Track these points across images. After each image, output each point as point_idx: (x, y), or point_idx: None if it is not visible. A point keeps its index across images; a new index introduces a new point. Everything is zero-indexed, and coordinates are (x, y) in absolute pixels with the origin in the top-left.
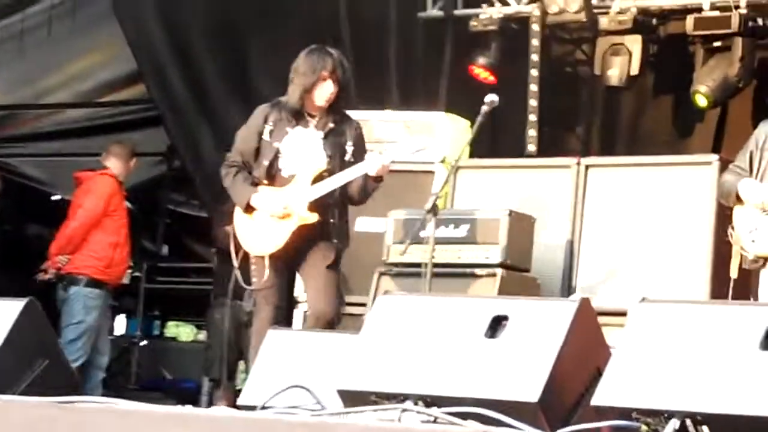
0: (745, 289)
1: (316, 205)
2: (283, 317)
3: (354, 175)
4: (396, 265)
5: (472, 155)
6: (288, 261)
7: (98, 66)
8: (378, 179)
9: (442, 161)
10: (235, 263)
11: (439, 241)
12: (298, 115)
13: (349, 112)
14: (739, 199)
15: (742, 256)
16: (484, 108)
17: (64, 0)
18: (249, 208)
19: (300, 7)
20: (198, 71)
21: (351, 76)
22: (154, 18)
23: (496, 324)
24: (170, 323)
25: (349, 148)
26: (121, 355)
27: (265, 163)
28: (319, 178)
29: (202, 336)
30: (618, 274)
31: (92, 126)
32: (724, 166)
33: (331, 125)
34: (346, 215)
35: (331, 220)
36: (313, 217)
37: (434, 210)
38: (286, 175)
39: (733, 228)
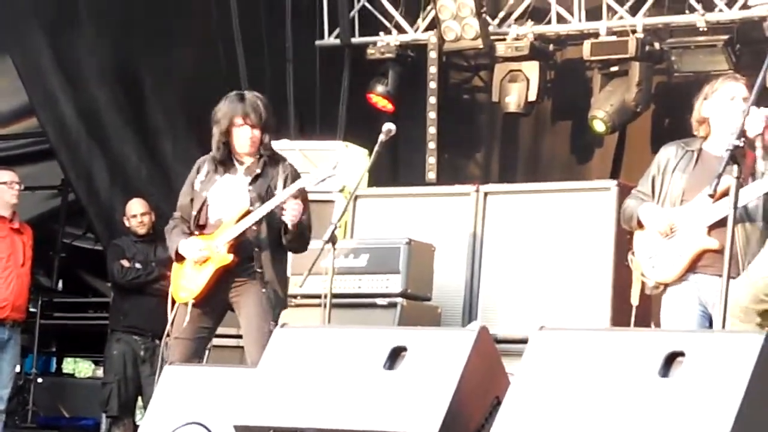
0: (646, 315)
1: (236, 248)
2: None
3: (266, 209)
4: (295, 296)
5: (371, 184)
6: (213, 306)
7: None
8: (295, 227)
9: (341, 190)
10: (170, 315)
11: (339, 272)
12: (227, 163)
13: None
14: (640, 224)
15: (643, 282)
16: (382, 137)
17: None
18: (178, 258)
19: (194, 36)
20: (91, 103)
21: (271, 116)
22: (45, 49)
23: (395, 355)
24: (67, 359)
25: (279, 187)
26: (17, 392)
27: (194, 213)
28: (238, 221)
29: (100, 372)
30: (519, 301)
31: None
32: (622, 192)
33: (258, 170)
34: (282, 265)
35: (259, 270)
36: (230, 258)
37: (333, 240)
38: (213, 222)
39: (633, 253)
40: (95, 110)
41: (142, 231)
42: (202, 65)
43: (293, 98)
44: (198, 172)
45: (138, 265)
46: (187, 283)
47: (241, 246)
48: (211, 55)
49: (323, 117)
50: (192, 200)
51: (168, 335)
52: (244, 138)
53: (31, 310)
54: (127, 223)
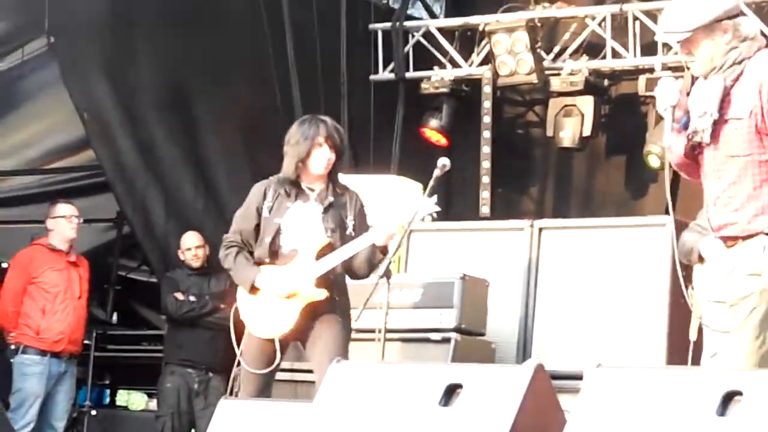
0: (702, 351)
1: (321, 282)
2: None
3: (360, 247)
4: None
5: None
6: (294, 340)
7: (46, 132)
8: (384, 250)
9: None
10: (237, 348)
11: (393, 306)
12: (297, 189)
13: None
14: (700, 258)
15: (701, 317)
16: (437, 172)
17: (11, 67)
18: (253, 289)
19: (250, 70)
20: (147, 137)
21: (346, 144)
22: (102, 83)
23: (450, 392)
24: (121, 391)
25: (350, 222)
26: (71, 425)
27: (267, 240)
28: (321, 254)
29: (154, 404)
30: (574, 337)
31: (40, 192)
32: (678, 227)
33: (331, 198)
34: (347, 292)
35: (336, 298)
36: (322, 294)
37: (387, 274)
38: (286, 251)
39: (693, 288)
40: (151, 144)
41: (196, 264)
42: (257, 99)
43: (347, 132)
44: (264, 197)
45: (192, 298)
46: (269, 317)
47: (327, 281)
48: (266, 89)
49: (377, 151)
50: (257, 225)
51: (236, 366)
52: (322, 160)
53: (86, 342)
54: (181, 256)
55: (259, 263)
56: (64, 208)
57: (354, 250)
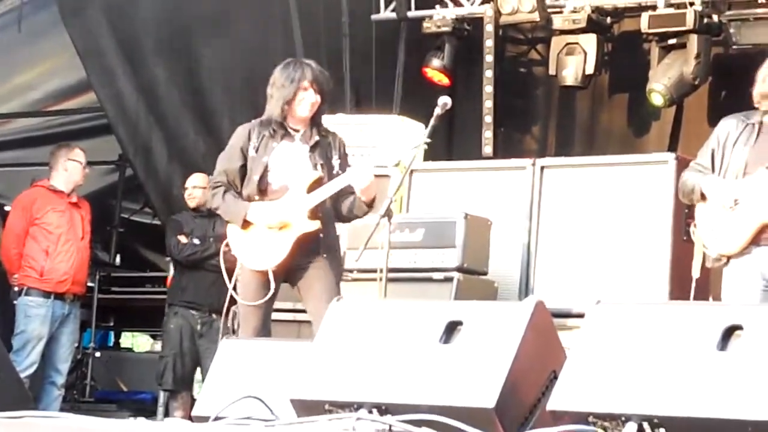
0: (705, 289)
1: (314, 215)
2: (268, 332)
3: (344, 182)
4: (351, 271)
5: (427, 158)
6: (287, 274)
7: (47, 75)
8: (371, 203)
9: (397, 165)
10: (229, 283)
11: (395, 246)
12: (282, 130)
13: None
14: (702, 197)
15: (704, 254)
16: (438, 111)
17: (10, 9)
18: (245, 224)
19: (250, 13)
20: (149, 79)
21: (331, 87)
22: (104, 26)
23: (452, 329)
24: (125, 334)
25: (336, 161)
26: (75, 366)
27: (255, 178)
28: (312, 188)
29: (158, 346)
30: (576, 275)
31: (42, 135)
32: (680, 165)
33: (317, 138)
34: (335, 229)
35: (323, 234)
36: (315, 224)
37: (389, 214)
38: (276, 187)
39: (695, 226)
40: (153, 87)
41: (192, 204)
42: (258, 42)
43: (349, 73)
44: (249, 138)
45: (196, 241)
46: (263, 249)
47: (319, 214)
48: (267, 31)
49: (379, 91)
50: (243, 166)
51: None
52: (308, 103)
53: (89, 284)
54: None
55: (247, 201)
56: (79, 154)
57: (340, 185)
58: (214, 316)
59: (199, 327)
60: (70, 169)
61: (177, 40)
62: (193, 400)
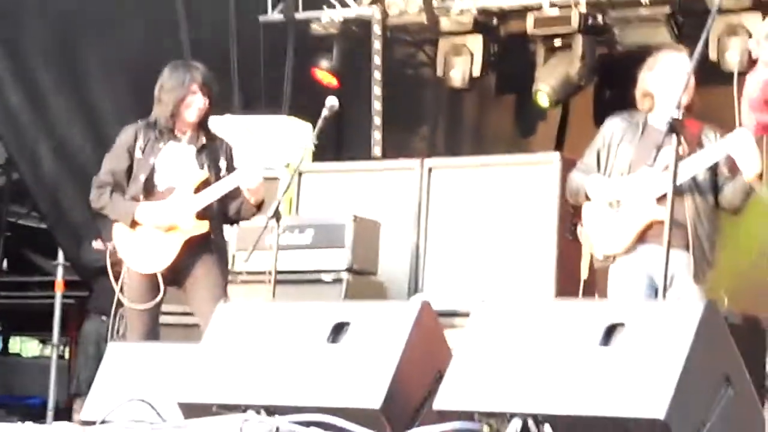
0: (592, 288)
1: (202, 216)
2: (156, 336)
3: (233, 183)
4: (240, 273)
5: (315, 159)
6: (174, 276)
7: None
8: (259, 205)
9: (286, 166)
10: (115, 284)
11: (284, 248)
12: (169, 133)
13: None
14: (587, 197)
15: (591, 255)
16: (325, 112)
17: None
18: (133, 224)
19: (136, 15)
20: (34, 84)
21: (218, 90)
22: None
23: (338, 329)
24: (13, 338)
25: (222, 164)
26: None
27: (142, 178)
28: (199, 189)
29: (48, 351)
30: (463, 275)
31: None
32: (566, 165)
33: (204, 140)
34: (223, 231)
35: (212, 236)
36: (203, 226)
37: (277, 216)
38: (162, 189)
39: (582, 226)
40: (39, 91)
41: None
42: (146, 44)
43: (237, 74)
44: (135, 138)
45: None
46: (150, 251)
47: (207, 215)
48: (154, 33)
49: (268, 92)
50: (130, 166)
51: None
52: (196, 107)
53: None
54: None
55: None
56: None
57: (228, 187)
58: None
59: (106, 333)
60: None
61: (62, 43)
62: None
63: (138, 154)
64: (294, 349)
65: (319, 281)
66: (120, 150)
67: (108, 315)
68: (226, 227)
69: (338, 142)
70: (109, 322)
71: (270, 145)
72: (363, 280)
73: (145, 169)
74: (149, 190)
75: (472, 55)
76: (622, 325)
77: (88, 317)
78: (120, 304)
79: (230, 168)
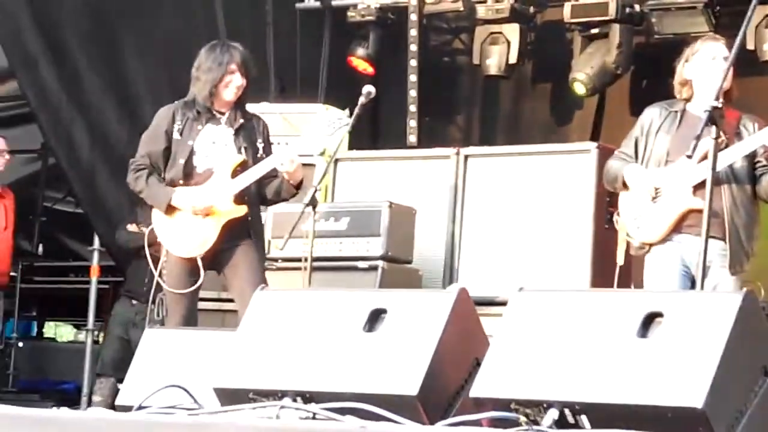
0: (628, 276)
1: (240, 199)
2: (195, 320)
3: (269, 167)
4: (275, 260)
5: (351, 147)
6: (213, 260)
7: None
8: (299, 185)
9: (322, 153)
10: (154, 268)
11: (320, 235)
12: (207, 113)
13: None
14: (625, 185)
15: (628, 242)
16: (362, 99)
17: None
18: (169, 209)
19: (174, 1)
20: (71, 67)
21: (256, 71)
22: (25, 12)
23: (375, 317)
24: (48, 323)
25: (260, 144)
26: None
27: (181, 161)
28: (236, 172)
29: (82, 336)
30: (499, 263)
31: None
32: (602, 154)
33: (241, 121)
34: (260, 214)
35: (250, 218)
36: (242, 210)
37: (314, 203)
38: (201, 171)
39: (618, 214)
40: (75, 74)
41: None
42: (181, 29)
43: (273, 61)
44: (173, 120)
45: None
46: (189, 236)
47: (245, 198)
48: (190, 17)
49: (304, 80)
50: (167, 148)
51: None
52: (234, 86)
53: (12, 274)
54: None
55: (170, 185)
56: None
57: (264, 170)
58: (150, 306)
59: (134, 316)
60: None
61: (99, 27)
62: (117, 389)
63: (176, 135)
64: (330, 336)
65: (354, 268)
66: (157, 131)
67: (138, 299)
68: (263, 213)
69: (374, 130)
70: (139, 307)
71: (306, 132)
72: (398, 267)
73: (183, 152)
74: (188, 173)
75: (508, 43)
76: (660, 314)
77: (118, 299)
78: (159, 288)
79: (267, 148)
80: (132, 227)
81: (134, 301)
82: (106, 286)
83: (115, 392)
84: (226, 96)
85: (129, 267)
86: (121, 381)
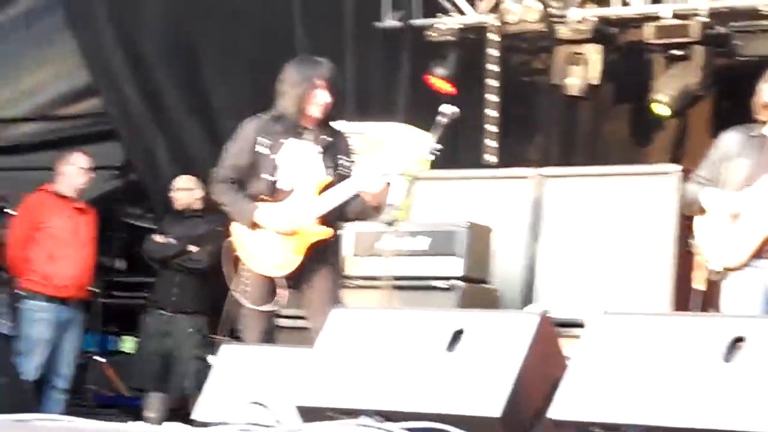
0: (707, 301)
1: (324, 220)
2: (272, 337)
3: (356, 189)
4: (354, 278)
5: (430, 167)
6: (293, 280)
7: (53, 79)
8: (379, 208)
9: (402, 174)
10: (233, 285)
11: (398, 254)
12: (293, 129)
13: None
14: (701, 209)
15: (706, 267)
16: (443, 119)
17: (18, 13)
18: (252, 225)
19: (254, 18)
20: (153, 84)
21: (344, 86)
22: (109, 30)
23: (456, 337)
24: (128, 339)
25: (345, 163)
26: (77, 371)
27: (264, 176)
28: (321, 192)
29: None
30: (577, 285)
31: (47, 140)
32: (684, 176)
33: (328, 139)
34: (339, 235)
35: (335, 239)
36: (327, 231)
37: (393, 222)
38: (284, 188)
39: (695, 238)
40: (157, 91)
41: (176, 206)
42: (262, 46)
43: (352, 79)
44: (258, 133)
45: (173, 241)
46: (271, 254)
47: (328, 219)
48: (270, 36)
49: (383, 99)
50: (252, 163)
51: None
52: (320, 102)
53: (93, 289)
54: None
55: (253, 199)
56: (80, 159)
57: (352, 191)
58: (178, 316)
59: (164, 326)
60: (69, 174)
61: (180, 45)
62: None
63: (260, 149)
64: (410, 356)
65: (432, 288)
66: (242, 144)
67: (166, 309)
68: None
69: (452, 149)
70: (168, 317)
71: (386, 152)
72: (476, 288)
73: (268, 168)
74: (272, 189)
75: (589, 63)
76: (742, 339)
77: (146, 312)
78: (233, 303)
79: (349, 165)
80: (159, 237)
81: (162, 311)
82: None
83: (166, 406)
84: (313, 112)
85: (157, 278)
86: (164, 392)
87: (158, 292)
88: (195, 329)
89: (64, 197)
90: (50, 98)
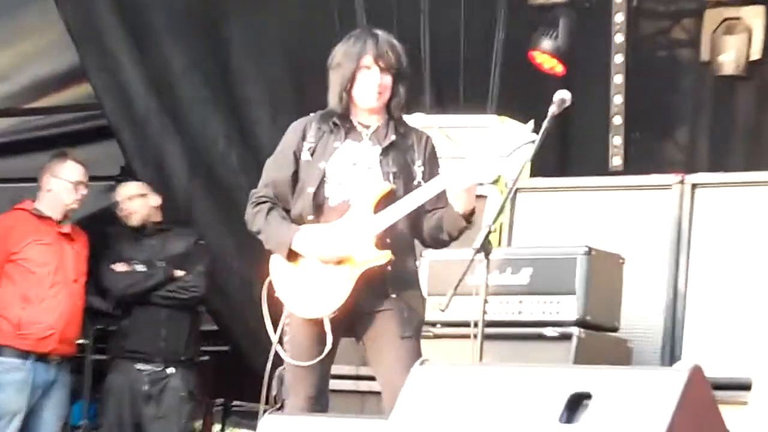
0: None
1: (382, 242)
2: (326, 403)
3: (428, 193)
4: (435, 324)
5: (535, 173)
6: (349, 324)
7: (29, 59)
8: (469, 216)
9: (495, 182)
10: (274, 334)
11: (494, 291)
12: (346, 126)
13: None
14: None
15: None
16: (553, 109)
17: None
18: (291, 254)
19: None
20: (162, 67)
21: (407, 64)
22: None
23: (575, 404)
24: None
25: (418, 168)
26: None
27: (310, 190)
28: (380, 206)
29: None
30: (739, 332)
31: (22, 141)
32: None
33: (393, 137)
34: (415, 262)
35: (391, 268)
36: (384, 257)
37: (486, 249)
38: (334, 204)
39: None
40: (168, 76)
41: (132, 221)
42: (308, 17)
43: (429, 59)
44: (303, 137)
45: (140, 267)
46: (315, 289)
47: (387, 241)
48: (320, 2)
49: (469, 83)
50: (295, 173)
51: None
52: (372, 86)
53: (81, 342)
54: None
55: (298, 221)
56: (73, 171)
57: (422, 199)
58: (169, 370)
59: (146, 387)
60: (56, 190)
61: (200, 15)
62: None
63: (306, 156)
64: (513, 428)
65: (539, 337)
66: (285, 153)
67: (144, 361)
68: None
69: (563, 151)
70: (152, 373)
71: (475, 152)
72: (599, 336)
73: (313, 178)
74: (319, 205)
75: (749, 32)
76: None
77: (111, 368)
78: (279, 360)
79: (430, 172)
80: (121, 266)
81: (140, 366)
82: (206, 357)
83: None
84: (363, 101)
85: (124, 319)
86: None
87: (132, 338)
88: (187, 391)
89: (45, 218)
90: (24, 84)
